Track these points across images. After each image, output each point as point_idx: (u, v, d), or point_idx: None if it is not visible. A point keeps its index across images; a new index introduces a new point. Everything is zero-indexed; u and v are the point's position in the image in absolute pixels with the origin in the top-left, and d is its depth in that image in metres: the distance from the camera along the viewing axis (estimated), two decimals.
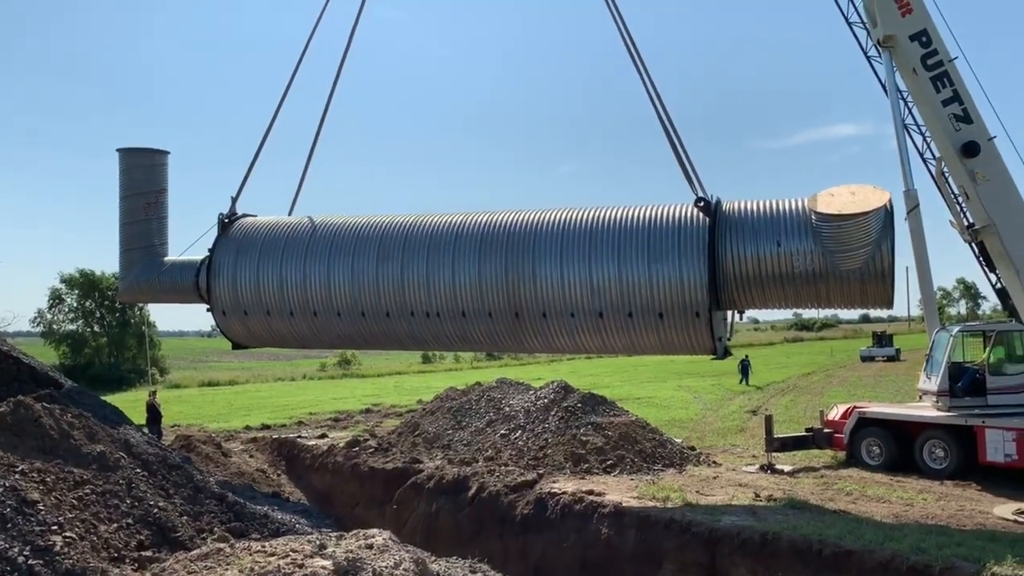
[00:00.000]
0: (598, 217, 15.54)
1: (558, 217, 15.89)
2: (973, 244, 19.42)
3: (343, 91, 19.29)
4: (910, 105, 19.66)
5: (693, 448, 21.19)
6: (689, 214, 14.92)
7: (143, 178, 19.29)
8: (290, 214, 19.13)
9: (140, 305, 67.30)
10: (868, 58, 20.31)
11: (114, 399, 20.27)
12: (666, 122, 15.57)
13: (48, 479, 10.24)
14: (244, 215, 19.22)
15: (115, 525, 10.16)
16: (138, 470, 11.80)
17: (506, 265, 15.71)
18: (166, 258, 19.41)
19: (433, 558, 8.73)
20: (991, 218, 18.41)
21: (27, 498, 9.50)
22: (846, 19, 20.26)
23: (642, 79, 15.79)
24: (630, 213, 15.36)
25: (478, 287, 15.92)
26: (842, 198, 14.02)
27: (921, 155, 19.95)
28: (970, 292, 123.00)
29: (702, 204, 14.77)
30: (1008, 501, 15.00)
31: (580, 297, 15.19)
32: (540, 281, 15.45)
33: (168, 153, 19.80)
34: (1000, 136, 18.54)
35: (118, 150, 19.50)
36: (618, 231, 15.13)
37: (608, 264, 14.97)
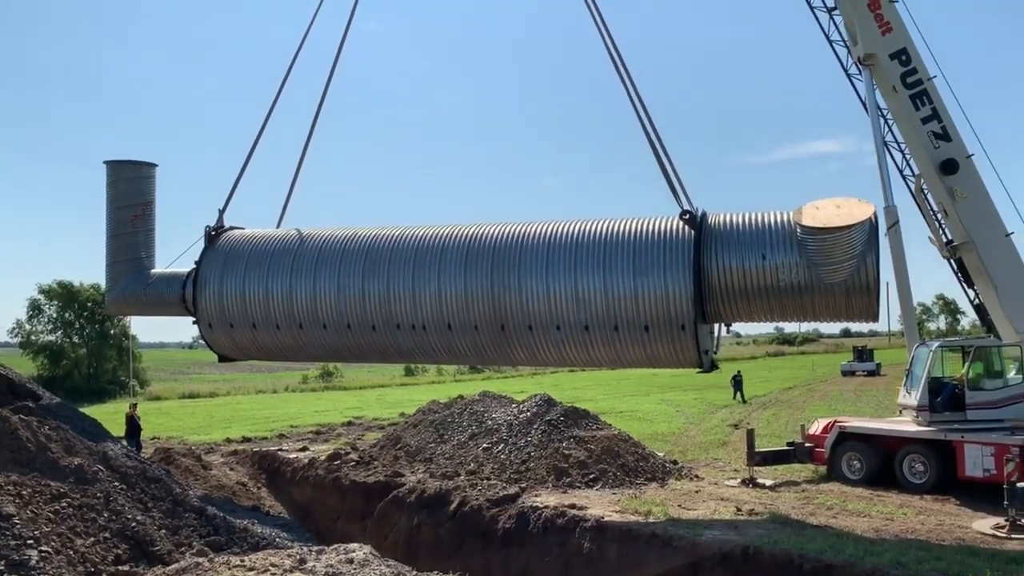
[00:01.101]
0: (584, 230, 15.54)
1: (544, 230, 15.89)
2: (952, 260, 19.65)
3: (326, 104, 19.32)
4: (890, 123, 19.92)
5: (675, 462, 21.21)
6: (674, 227, 14.92)
7: (130, 190, 19.24)
8: (278, 227, 19.10)
9: (120, 317, 66.85)
10: (848, 76, 20.57)
11: (93, 411, 20.03)
12: (651, 135, 15.59)
13: (24, 492, 10.12)
14: (231, 228, 19.16)
15: (92, 539, 10.05)
16: (116, 483, 11.69)
17: (492, 277, 15.70)
18: (153, 271, 19.32)
19: (414, 572, 8.69)
20: (969, 234, 18.64)
21: (2, 511, 9.39)
22: (827, 37, 20.51)
23: (627, 91, 15.81)
24: (616, 226, 15.37)
25: (464, 299, 15.90)
26: (827, 211, 14.09)
27: (900, 172, 20.21)
28: (949, 308, 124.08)
29: (687, 217, 14.77)
30: (987, 516, 15.09)
31: (566, 310, 15.18)
32: (526, 293, 15.45)
33: (155, 165, 19.79)
34: (977, 154, 18.82)
35: (105, 162, 19.45)
36: (603, 244, 15.13)
37: (593, 277, 14.97)
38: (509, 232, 16.14)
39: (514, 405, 23.09)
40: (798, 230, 14.03)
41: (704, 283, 14.50)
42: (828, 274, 13.90)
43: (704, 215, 15.02)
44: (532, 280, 15.41)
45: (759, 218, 14.70)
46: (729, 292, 14.50)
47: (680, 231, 14.80)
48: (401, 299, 16.40)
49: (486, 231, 16.37)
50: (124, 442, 17.95)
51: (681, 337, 14.65)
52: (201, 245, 18.79)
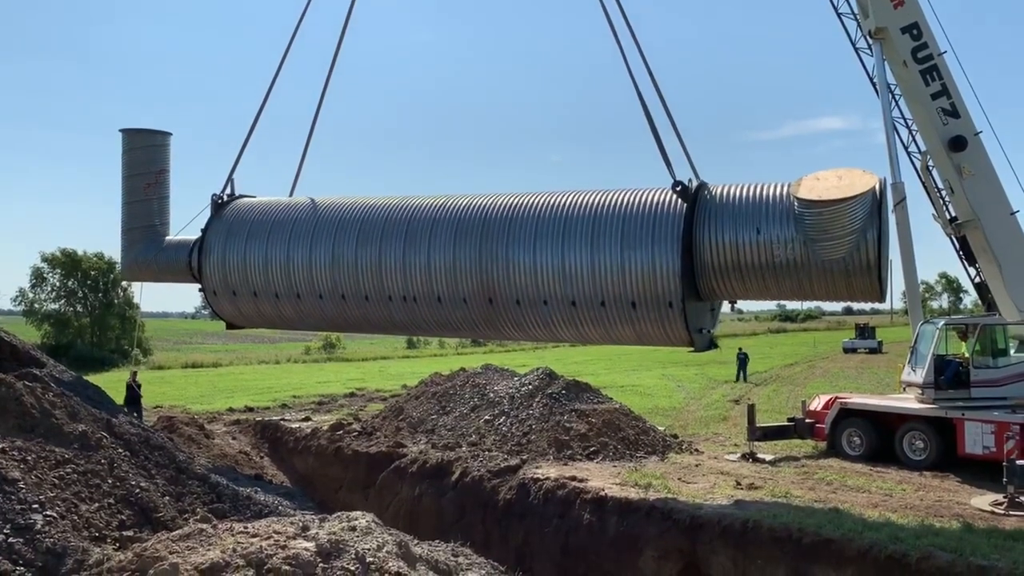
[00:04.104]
0: (573, 202, 14.90)
1: (534, 202, 15.34)
2: (955, 238, 19.57)
3: (337, 73, 19.16)
4: (897, 98, 19.75)
5: (676, 436, 21.30)
6: (666, 199, 14.11)
7: (145, 158, 19.44)
8: (291, 195, 19.06)
9: (124, 285, 66.87)
10: (856, 50, 20.38)
11: (97, 379, 20.12)
12: (642, 100, 14.71)
13: (29, 458, 10.18)
14: (240, 196, 19.14)
15: (96, 504, 10.13)
16: (120, 450, 11.76)
17: (480, 250, 15.24)
18: (168, 238, 19.42)
19: (416, 541, 8.75)
20: (975, 212, 18.54)
21: (7, 476, 9.45)
22: (836, 10, 20.30)
23: (622, 54, 14.86)
24: (606, 198, 14.69)
25: (452, 272, 15.50)
26: (827, 182, 13.04)
27: (906, 149, 20.09)
28: (952, 286, 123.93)
29: (679, 188, 13.86)
30: (986, 492, 15.17)
31: (552, 284, 14.60)
32: (512, 267, 14.92)
33: (170, 134, 19.93)
34: (984, 132, 18.69)
35: (121, 130, 19.66)
36: (592, 216, 14.43)
37: (581, 251, 14.29)
38: (499, 204, 15.65)
39: (516, 378, 23.17)
40: (795, 203, 13.03)
41: (696, 259, 13.70)
42: (826, 251, 12.86)
43: (700, 186, 14.16)
44: (520, 253, 14.86)
45: (757, 190, 13.73)
46: (722, 268, 13.60)
47: (672, 203, 13.97)
48: (392, 270, 16.12)
49: (477, 203, 15.93)
50: (125, 410, 18.07)
51: (669, 315, 13.88)
52: (209, 213, 18.84)
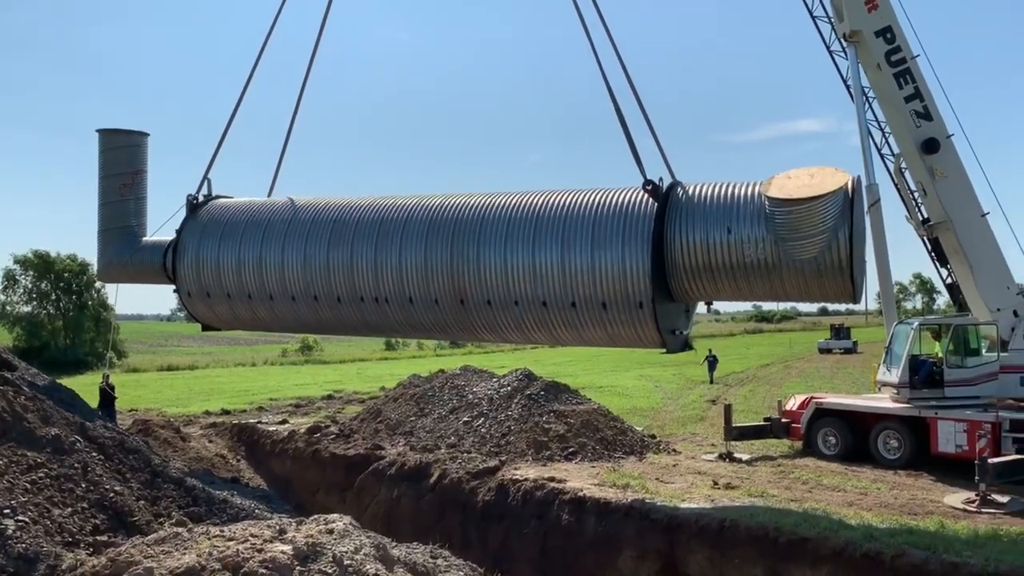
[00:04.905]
0: (544, 202, 14.69)
1: (505, 202, 15.13)
2: (927, 239, 19.85)
3: (315, 75, 19.08)
4: (872, 101, 19.99)
5: (653, 436, 21.39)
6: (637, 199, 13.85)
7: (121, 159, 19.26)
8: (269, 196, 18.92)
9: (99, 287, 66.14)
10: (831, 53, 20.59)
11: (70, 383, 19.86)
12: (613, 100, 14.46)
13: (0, 462, 10.03)
14: (217, 196, 18.99)
15: (70, 509, 10.00)
16: (94, 454, 11.61)
17: (451, 250, 15.03)
18: (144, 239, 19.27)
19: (394, 543, 8.72)
20: (947, 213, 18.83)
21: None
22: (811, 13, 20.51)
23: (594, 53, 14.63)
24: (578, 198, 14.44)
25: (424, 273, 15.27)
26: (799, 181, 12.75)
27: (879, 151, 20.33)
28: (926, 287, 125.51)
29: (650, 188, 13.61)
30: (958, 490, 15.35)
31: (523, 285, 14.36)
32: (483, 267, 14.70)
33: (147, 135, 19.73)
34: (956, 134, 18.98)
35: (97, 131, 19.47)
36: (563, 216, 14.20)
37: (551, 250, 14.05)
38: (471, 203, 15.44)
39: (495, 379, 23.16)
40: (766, 202, 12.73)
41: (667, 259, 13.42)
42: (797, 250, 12.52)
43: (672, 185, 13.90)
44: (490, 253, 14.64)
45: (728, 189, 13.44)
46: (694, 269, 13.29)
47: (643, 203, 13.70)
48: (364, 271, 15.91)
49: (449, 202, 15.73)
50: (99, 413, 17.88)
51: (639, 316, 13.60)
52: (184, 213, 18.68)
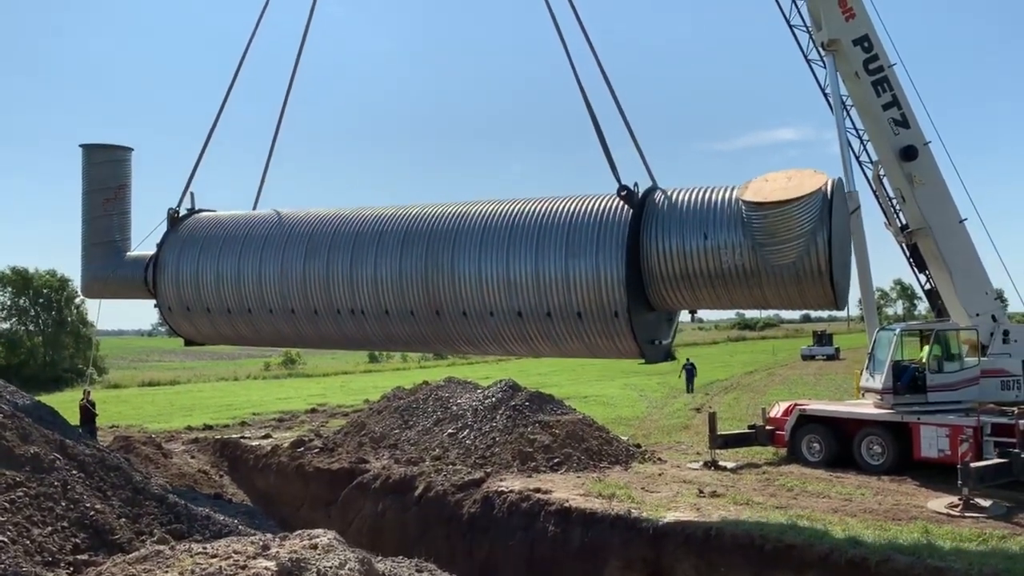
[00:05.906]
0: (519, 210, 14.40)
1: (480, 210, 14.86)
2: (906, 246, 20.04)
3: (297, 88, 19.02)
4: (850, 109, 20.18)
5: (639, 446, 21.40)
6: (612, 205, 13.48)
7: (105, 173, 19.09)
8: (254, 210, 18.81)
9: (78, 303, 65.63)
10: (809, 62, 20.78)
11: (50, 400, 19.67)
12: (587, 103, 14.14)
13: None
14: (200, 210, 18.87)
15: (49, 528, 9.86)
16: (74, 471, 11.47)
17: (426, 261, 14.76)
18: (128, 254, 19.13)
19: (379, 558, 8.66)
20: (926, 220, 19.01)
21: None
22: (788, 22, 20.69)
23: (570, 60, 14.32)
24: (553, 206, 14.10)
25: (399, 284, 15.03)
26: (776, 183, 12.31)
27: (858, 158, 20.51)
28: (907, 293, 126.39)
29: (624, 193, 13.24)
30: (942, 495, 15.43)
31: (498, 295, 14.08)
32: (458, 278, 14.43)
33: (131, 149, 19.59)
34: (933, 142, 19.19)
35: (81, 145, 19.29)
36: (537, 224, 13.87)
37: (525, 259, 13.72)
38: (447, 213, 15.18)
39: (479, 391, 23.11)
40: (742, 206, 12.32)
41: (644, 266, 13.04)
42: (774, 255, 12.07)
43: (649, 191, 13.51)
44: (464, 263, 14.37)
45: (705, 194, 13.02)
46: (671, 276, 12.87)
47: (618, 209, 13.32)
48: (339, 283, 15.67)
49: (424, 212, 15.49)
50: (80, 431, 17.68)
51: (615, 326, 13.18)
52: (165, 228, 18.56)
